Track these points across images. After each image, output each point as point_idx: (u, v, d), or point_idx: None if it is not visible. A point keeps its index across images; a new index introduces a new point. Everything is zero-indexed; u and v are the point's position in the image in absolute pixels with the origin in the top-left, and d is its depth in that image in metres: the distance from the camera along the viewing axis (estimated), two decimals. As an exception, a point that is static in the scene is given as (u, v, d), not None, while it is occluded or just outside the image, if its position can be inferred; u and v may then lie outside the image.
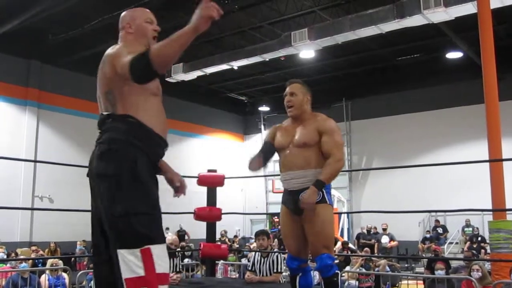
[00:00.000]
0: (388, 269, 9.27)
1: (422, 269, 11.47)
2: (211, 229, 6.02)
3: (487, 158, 7.91)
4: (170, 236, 6.51)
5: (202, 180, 5.65)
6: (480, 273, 6.70)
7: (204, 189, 5.92)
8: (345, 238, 15.52)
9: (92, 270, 2.91)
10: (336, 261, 7.53)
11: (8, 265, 9.67)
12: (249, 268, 5.55)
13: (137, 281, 2.19)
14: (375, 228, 15.66)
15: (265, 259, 5.40)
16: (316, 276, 5.64)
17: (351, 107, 19.06)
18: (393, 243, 15.22)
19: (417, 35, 13.54)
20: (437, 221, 16.08)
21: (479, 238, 13.97)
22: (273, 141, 3.74)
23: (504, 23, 12.96)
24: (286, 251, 3.75)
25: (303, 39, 12.38)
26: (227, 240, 16.46)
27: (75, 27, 12.66)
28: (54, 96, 15.31)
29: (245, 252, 11.95)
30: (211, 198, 5.89)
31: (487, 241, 11.41)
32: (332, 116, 3.70)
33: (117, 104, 2.37)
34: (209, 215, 5.76)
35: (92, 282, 6.52)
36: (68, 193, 13.62)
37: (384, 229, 15.43)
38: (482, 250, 13.21)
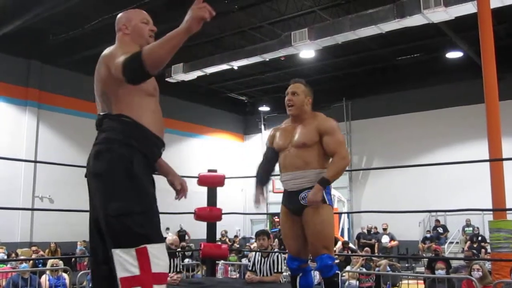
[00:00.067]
0: (389, 269, 9.27)
1: (422, 269, 11.46)
2: (211, 229, 6.02)
3: (487, 158, 7.91)
4: (170, 237, 6.51)
5: (202, 180, 5.66)
6: (480, 273, 6.70)
7: (204, 189, 5.93)
8: (346, 238, 15.52)
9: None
10: (337, 261, 7.53)
11: (9, 265, 9.67)
12: (250, 268, 5.55)
13: (131, 280, 2.19)
14: (376, 228, 15.67)
15: (266, 259, 5.40)
16: (316, 276, 5.64)
17: (351, 107, 19.07)
18: (394, 243, 15.23)
19: (417, 35, 13.54)
20: (437, 220, 16.08)
21: (480, 238, 13.98)
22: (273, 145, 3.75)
23: (504, 22, 12.96)
24: (287, 251, 3.75)
25: (303, 39, 12.38)
26: (227, 240, 16.46)
27: (75, 27, 12.67)
28: (54, 96, 15.31)
29: (245, 252, 11.95)
30: (212, 198, 5.89)
31: (488, 241, 11.42)
32: (332, 116, 3.71)
33: (113, 104, 2.38)
34: (210, 215, 5.76)
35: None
36: (68, 193, 13.61)
37: (385, 229, 15.44)
38: (483, 250, 13.21)
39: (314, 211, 3.43)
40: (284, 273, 5.98)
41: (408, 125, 17.44)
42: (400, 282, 8.75)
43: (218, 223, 5.98)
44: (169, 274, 5.16)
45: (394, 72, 17.30)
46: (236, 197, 19.69)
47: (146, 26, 2.58)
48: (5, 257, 11.19)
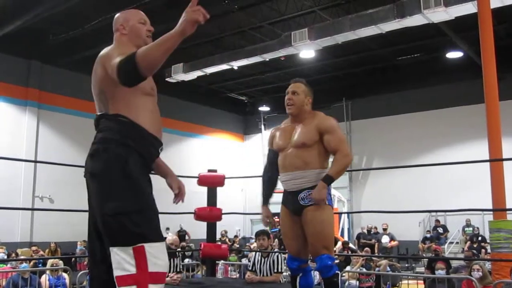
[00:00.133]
0: (389, 269, 9.27)
1: (422, 269, 11.47)
2: (211, 229, 6.02)
3: (488, 158, 7.91)
4: (170, 236, 6.51)
5: (202, 180, 5.66)
6: (480, 273, 6.70)
7: (204, 189, 5.93)
8: (346, 238, 15.52)
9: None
10: (337, 261, 7.53)
11: (9, 265, 9.67)
12: (250, 268, 5.55)
13: (127, 278, 2.19)
14: (376, 228, 15.67)
15: (266, 259, 5.40)
16: (316, 276, 5.63)
17: (351, 107, 19.07)
18: (394, 243, 15.23)
19: (417, 35, 13.54)
20: (437, 221, 16.08)
21: (480, 238, 13.98)
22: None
23: (504, 22, 12.96)
24: (287, 251, 3.75)
25: (303, 39, 12.37)
26: (227, 240, 16.46)
27: (76, 27, 12.67)
28: (54, 96, 15.31)
29: (245, 252, 11.95)
30: (212, 198, 5.90)
31: (488, 241, 11.41)
32: (332, 116, 3.70)
33: (110, 104, 2.39)
34: (210, 215, 5.76)
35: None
36: (69, 193, 13.61)
37: (385, 229, 15.44)
38: (483, 250, 13.21)
39: (314, 211, 3.42)
40: (284, 273, 5.98)
41: (408, 125, 17.44)
42: (400, 282, 8.76)
43: (218, 223, 5.98)
44: (169, 274, 5.17)
45: (394, 72, 17.30)
46: (236, 197, 19.70)
47: (144, 26, 2.58)
48: (5, 257, 11.19)
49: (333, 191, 4.04)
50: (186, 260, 10.35)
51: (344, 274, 7.89)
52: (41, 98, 15.07)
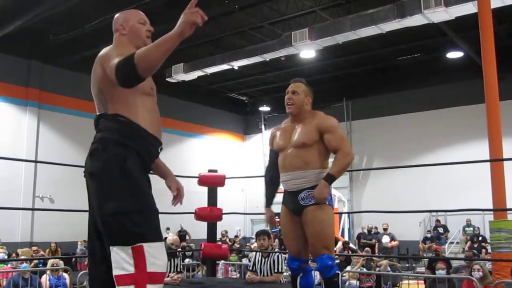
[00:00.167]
0: (389, 269, 9.27)
1: (423, 269, 11.46)
2: (212, 229, 6.02)
3: (488, 158, 7.90)
4: (171, 237, 6.51)
5: (202, 180, 5.66)
6: (481, 273, 6.70)
7: (204, 189, 5.93)
8: (346, 238, 15.53)
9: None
10: (337, 261, 7.53)
11: (9, 265, 9.68)
12: (250, 268, 5.55)
13: (126, 278, 2.19)
14: (376, 228, 15.66)
15: (266, 259, 5.40)
16: (317, 276, 5.64)
17: (351, 107, 19.06)
18: (394, 243, 15.23)
19: (417, 35, 13.53)
20: (437, 221, 16.07)
21: (480, 238, 13.97)
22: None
23: (505, 22, 12.95)
24: (287, 251, 3.75)
25: (303, 39, 12.37)
26: (227, 240, 16.46)
27: (76, 27, 12.67)
28: (54, 96, 15.32)
29: (246, 252, 11.95)
30: (212, 198, 5.90)
31: (488, 241, 11.41)
32: (332, 116, 3.70)
33: (109, 104, 2.39)
34: (210, 215, 5.77)
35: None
36: (69, 193, 13.60)
37: (385, 229, 15.44)
38: (483, 250, 13.20)
39: (314, 211, 3.42)
40: (285, 273, 5.98)
41: (408, 125, 17.44)
42: (401, 282, 8.76)
43: (218, 223, 5.98)
44: (170, 274, 5.17)
45: (395, 72, 17.29)
46: (237, 197, 19.72)
47: (143, 26, 2.58)
48: (6, 257, 11.20)
49: (333, 191, 4.05)
50: (187, 260, 10.35)
51: (344, 274, 7.89)
52: (42, 98, 15.07)
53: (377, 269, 8.87)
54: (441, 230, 15.73)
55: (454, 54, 15.16)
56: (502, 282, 6.10)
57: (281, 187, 3.74)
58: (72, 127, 15.34)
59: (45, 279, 7.41)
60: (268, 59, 14.07)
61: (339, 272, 3.50)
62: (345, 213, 17.53)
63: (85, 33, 12.72)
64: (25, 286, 6.93)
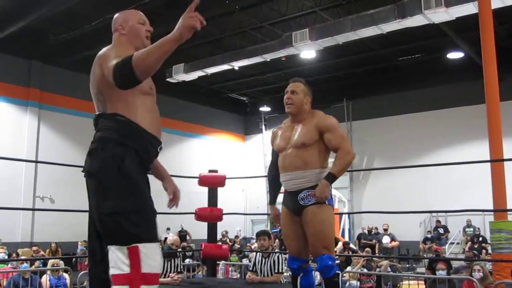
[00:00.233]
0: (389, 270, 9.26)
1: (423, 270, 11.46)
2: (212, 230, 6.02)
3: (488, 158, 7.90)
4: (171, 237, 6.51)
5: (203, 181, 5.67)
6: (481, 274, 6.70)
7: (205, 190, 5.93)
8: (346, 239, 15.51)
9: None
10: (337, 262, 7.53)
11: (10, 265, 9.68)
12: (250, 269, 5.55)
13: (121, 278, 2.20)
14: (376, 228, 15.66)
15: (266, 259, 5.40)
16: (317, 276, 5.64)
17: (352, 107, 19.05)
18: (394, 244, 15.22)
19: (418, 35, 13.53)
20: (438, 221, 16.06)
21: (480, 239, 13.97)
22: None
23: (505, 23, 12.94)
24: (287, 251, 3.75)
25: (304, 40, 12.37)
26: (228, 240, 16.46)
27: (76, 27, 12.67)
28: (55, 97, 15.32)
29: (246, 253, 11.95)
30: (212, 198, 5.90)
31: (488, 242, 11.40)
32: (332, 116, 3.69)
33: (108, 103, 2.39)
34: (210, 215, 5.77)
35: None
36: (69, 193, 13.61)
37: (385, 230, 15.44)
38: (483, 251, 13.20)
39: (314, 211, 3.42)
40: (285, 274, 5.98)
41: (409, 126, 17.43)
42: (401, 283, 8.75)
43: (218, 223, 5.99)
44: (170, 274, 5.18)
45: (395, 72, 17.29)
46: (237, 197, 19.71)
47: (143, 26, 2.58)
48: (6, 257, 11.20)
49: (333, 192, 4.05)
50: (187, 261, 10.35)
51: (344, 275, 7.89)
52: (42, 98, 15.08)
53: (378, 269, 8.87)
54: (441, 230, 15.72)
55: (454, 55, 15.16)
56: (503, 282, 6.10)
57: (281, 188, 3.75)
58: (72, 127, 15.34)
59: (45, 279, 7.42)
60: (268, 60, 14.07)
61: (339, 272, 3.50)
62: (345, 213, 17.52)
63: (85, 33, 12.72)
64: (26, 286, 6.93)
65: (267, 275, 5.32)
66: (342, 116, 18.27)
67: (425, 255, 14.19)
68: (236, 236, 18.51)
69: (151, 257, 2.23)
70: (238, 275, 9.11)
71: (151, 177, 2.53)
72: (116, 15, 2.63)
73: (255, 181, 19.71)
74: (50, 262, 8.05)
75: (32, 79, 14.90)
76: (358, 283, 8.22)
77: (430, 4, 10.24)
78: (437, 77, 16.52)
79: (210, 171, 5.89)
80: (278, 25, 13.55)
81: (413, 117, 17.43)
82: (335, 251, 5.38)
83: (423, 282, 7.27)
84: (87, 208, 2.46)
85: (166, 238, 7.97)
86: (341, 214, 16.88)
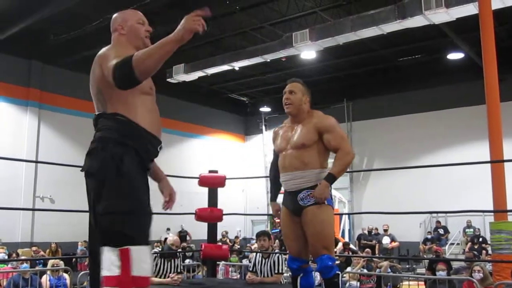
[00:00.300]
0: (389, 270, 9.26)
1: (423, 270, 11.46)
2: (212, 230, 6.02)
3: (489, 159, 7.90)
4: (171, 237, 6.50)
5: (203, 181, 5.66)
6: (481, 274, 6.69)
7: (205, 190, 5.93)
8: (346, 239, 15.51)
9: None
10: (337, 262, 7.53)
11: (9, 265, 9.68)
12: (250, 269, 5.55)
13: (112, 280, 2.19)
14: (376, 229, 15.66)
15: (266, 260, 5.40)
16: (317, 277, 5.64)
17: (352, 108, 19.06)
18: (394, 244, 15.22)
19: (418, 36, 13.53)
20: (438, 222, 16.07)
21: (480, 239, 13.97)
22: None
23: (506, 24, 12.94)
24: (287, 251, 3.75)
25: (304, 40, 12.36)
26: (228, 240, 16.46)
27: (76, 27, 12.67)
28: (55, 97, 15.32)
29: (246, 253, 11.94)
30: (212, 198, 5.90)
31: (489, 242, 11.40)
32: (333, 117, 3.69)
33: (108, 103, 2.39)
34: (210, 215, 5.76)
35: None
36: (69, 193, 13.61)
37: (385, 230, 15.43)
38: (484, 251, 13.19)
39: (314, 212, 3.42)
40: (285, 274, 5.98)
41: (409, 126, 17.43)
42: (401, 284, 8.75)
43: (219, 223, 5.98)
44: (170, 275, 5.18)
45: (396, 73, 17.29)
46: (237, 197, 19.71)
47: (142, 27, 2.58)
48: (6, 257, 11.20)
49: (333, 192, 4.05)
50: (187, 261, 10.35)
51: (345, 275, 7.89)
52: (42, 98, 15.08)
53: (378, 270, 8.86)
54: (441, 231, 15.72)
55: (455, 55, 15.16)
56: (503, 283, 6.10)
57: (281, 188, 3.75)
58: (72, 127, 15.33)
59: (45, 279, 7.41)
60: (268, 60, 14.07)
61: (339, 272, 3.50)
62: (345, 214, 17.53)
63: (85, 33, 12.72)
64: (25, 286, 6.93)
65: (267, 276, 5.32)
66: (342, 116, 18.27)
67: (425, 256, 14.19)
68: (236, 237, 18.51)
69: (142, 260, 2.23)
70: (238, 276, 9.11)
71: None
72: (115, 15, 2.63)
73: (255, 182, 19.71)
74: (50, 262, 8.05)
75: (32, 79, 14.90)
76: (358, 283, 8.21)
77: (431, 5, 10.24)
78: (437, 78, 16.52)
79: (210, 171, 5.89)
80: (278, 26, 13.55)
81: (413, 117, 17.43)
82: (335, 252, 5.38)
83: (423, 282, 7.27)
84: (87, 208, 2.46)
85: (166, 239, 7.97)
86: (341, 214, 16.88)
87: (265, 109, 21.36)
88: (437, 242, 14.95)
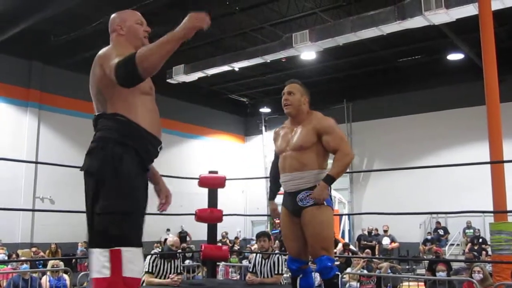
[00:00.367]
0: (389, 271, 9.26)
1: (423, 271, 11.45)
2: (212, 231, 6.02)
3: (488, 160, 7.90)
4: (171, 238, 6.49)
5: (203, 182, 5.67)
6: (481, 275, 6.69)
7: (205, 191, 5.93)
8: (346, 240, 15.51)
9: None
10: (337, 263, 7.53)
11: (9, 266, 9.67)
12: (250, 270, 5.55)
13: (102, 282, 2.18)
14: (376, 229, 15.66)
15: (266, 260, 5.40)
16: (317, 277, 5.63)
17: (352, 109, 19.06)
18: (394, 245, 15.22)
19: (418, 37, 13.53)
20: (438, 222, 16.07)
21: (480, 240, 13.97)
22: None
23: (506, 24, 12.95)
24: (287, 252, 3.75)
25: (304, 41, 12.36)
26: (228, 241, 16.45)
27: (77, 28, 12.68)
28: (55, 97, 15.32)
29: (246, 254, 11.94)
30: (212, 199, 5.90)
31: (488, 243, 11.40)
32: (332, 118, 3.69)
33: (108, 103, 2.38)
34: (210, 216, 5.76)
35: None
36: (69, 194, 13.56)
37: (385, 231, 15.43)
38: (483, 252, 13.19)
39: (313, 213, 3.42)
40: (285, 275, 5.98)
41: (409, 127, 17.43)
42: (401, 284, 8.74)
43: (218, 224, 5.99)
44: (170, 276, 5.18)
45: (395, 73, 17.30)
46: (237, 198, 19.70)
47: (141, 27, 2.58)
48: (6, 258, 11.19)
49: (333, 193, 4.06)
50: (187, 262, 10.34)
51: (344, 276, 7.88)
52: (42, 99, 15.08)
53: (378, 271, 8.86)
54: (441, 232, 15.72)
55: (454, 56, 15.16)
56: (503, 284, 6.09)
57: (281, 189, 3.75)
58: (72, 128, 15.33)
59: (45, 280, 7.41)
60: (268, 61, 14.07)
61: (339, 273, 3.49)
62: (345, 214, 17.53)
63: (86, 34, 12.72)
64: (25, 287, 6.92)
65: (267, 276, 5.31)
66: (342, 117, 18.27)
67: (425, 257, 14.18)
68: (236, 237, 18.49)
69: (133, 261, 2.22)
70: (238, 276, 9.11)
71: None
72: (113, 16, 2.63)
73: (255, 182, 19.71)
74: (50, 263, 8.05)
75: (32, 80, 14.90)
76: (358, 284, 8.21)
77: (430, 6, 10.24)
78: (437, 79, 16.52)
79: (210, 172, 5.90)
80: (278, 26, 13.55)
81: (413, 118, 17.44)
82: (335, 252, 5.38)
83: (423, 283, 7.26)
84: (86, 209, 2.46)
85: (166, 239, 7.96)
86: (341, 215, 16.87)
87: (265, 110, 21.36)
88: (437, 243, 14.94)
